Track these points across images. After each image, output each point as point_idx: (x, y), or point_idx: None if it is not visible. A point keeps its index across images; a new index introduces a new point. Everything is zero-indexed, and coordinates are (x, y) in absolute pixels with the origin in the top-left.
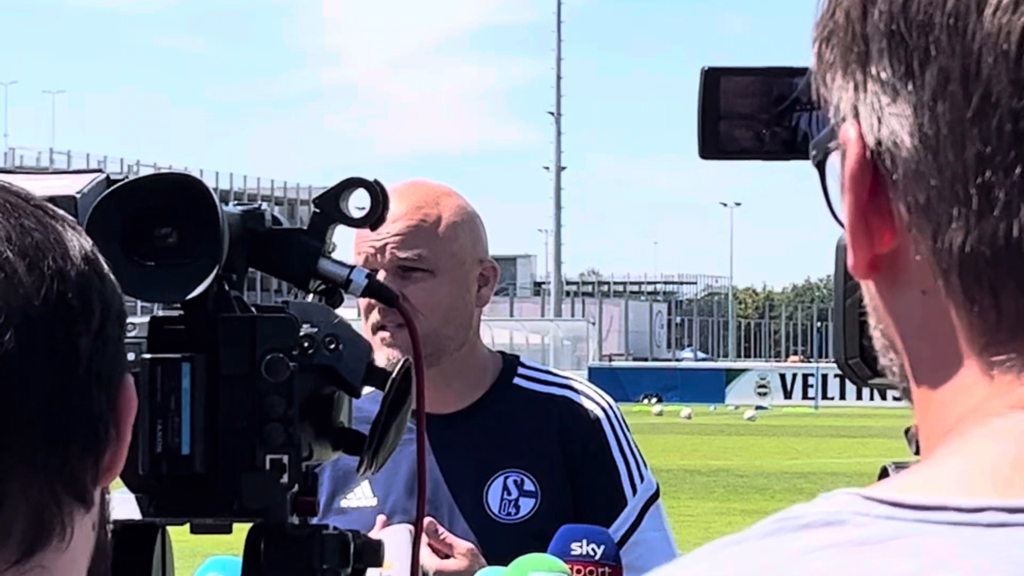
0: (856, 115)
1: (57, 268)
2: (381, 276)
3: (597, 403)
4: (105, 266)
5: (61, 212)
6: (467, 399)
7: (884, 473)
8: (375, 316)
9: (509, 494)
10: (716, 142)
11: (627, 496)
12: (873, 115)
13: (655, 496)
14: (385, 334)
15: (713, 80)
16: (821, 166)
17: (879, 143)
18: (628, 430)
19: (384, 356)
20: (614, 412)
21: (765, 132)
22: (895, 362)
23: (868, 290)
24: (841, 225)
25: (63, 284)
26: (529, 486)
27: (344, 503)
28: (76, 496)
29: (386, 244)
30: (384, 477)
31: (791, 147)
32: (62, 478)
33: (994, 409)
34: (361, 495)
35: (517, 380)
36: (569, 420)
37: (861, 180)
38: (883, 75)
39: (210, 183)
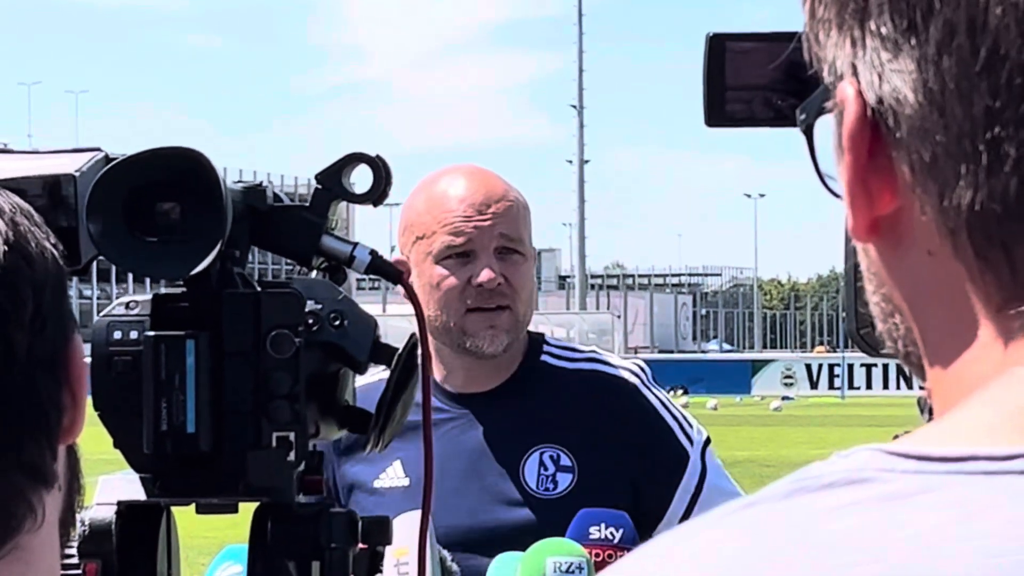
0: (854, 72)
1: None
2: (483, 257)
3: (629, 369)
4: (34, 240)
5: None
6: (501, 378)
7: (920, 403)
8: (473, 296)
9: (546, 470)
10: (723, 110)
11: (687, 449)
12: (873, 72)
13: (708, 440)
14: (487, 315)
15: (719, 46)
16: (810, 130)
17: (880, 101)
18: (661, 389)
19: (488, 339)
20: (647, 374)
21: (775, 98)
22: (900, 327)
23: (867, 255)
24: (830, 191)
25: None
26: (565, 461)
27: (377, 483)
28: (38, 479)
29: (494, 224)
30: (416, 456)
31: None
32: (20, 468)
33: (1015, 360)
34: (394, 475)
35: (544, 357)
36: (606, 394)
37: (861, 139)
38: (883, 30)
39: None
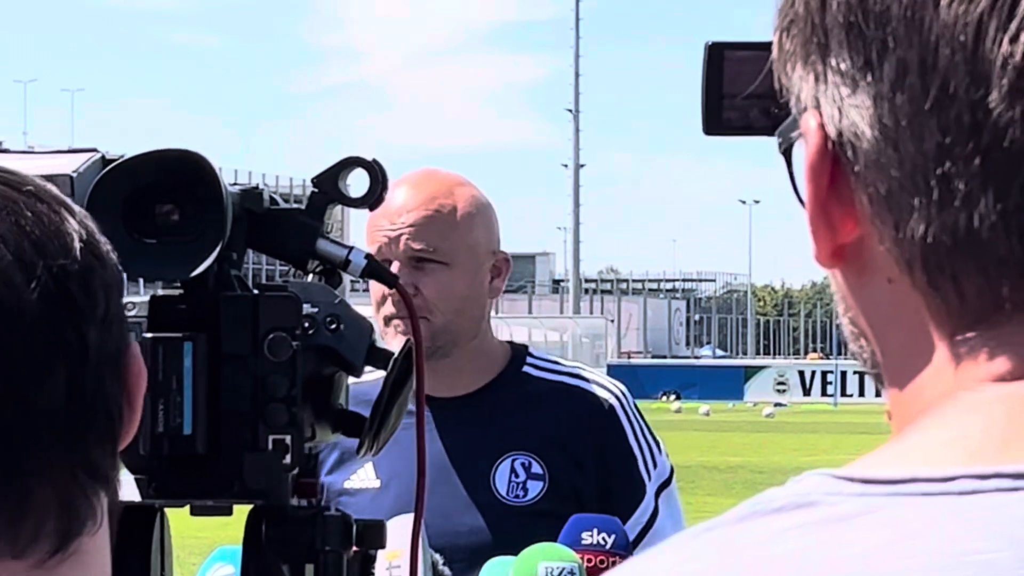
0: (817, 105)
1: (59, 266)
2: (395, 267)
3: (610, 391)
4: (102, 242)
5: (53, 192)
6: (476, 384)
7: None
8: (388, 308)
9: (517, 476)
10: (720, 118)
11: (645, 484)
12: (833, 106)
13: (668, 481)
14: (399, 321)
15: (717, 55)
16: (788, 152)
17: (840, 134)
18: (640, 415)
19: (398, 346)
20: (627, 399)
21: (773, 107)
22: (865, 349)
23: (835, 279)
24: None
25: (66, 280)
26: (537, 469)
27: (347, 484)
28: (99, 481)
29: (400, 235)
30: (388, 459)
31: None
32: (85, 468)
33: (963, 385)
34: (364, 476)
35: (527, 368)
36: (583, 410)
37: (821, 170)
38: (842, 66)
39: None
